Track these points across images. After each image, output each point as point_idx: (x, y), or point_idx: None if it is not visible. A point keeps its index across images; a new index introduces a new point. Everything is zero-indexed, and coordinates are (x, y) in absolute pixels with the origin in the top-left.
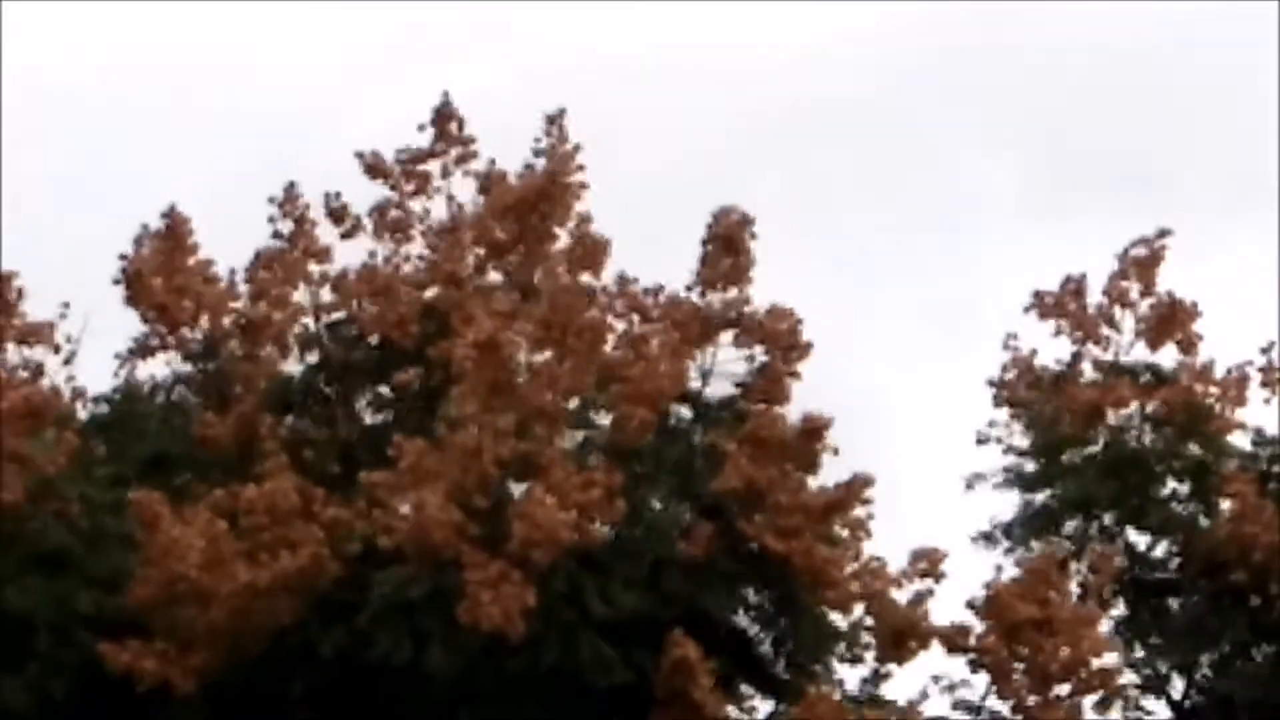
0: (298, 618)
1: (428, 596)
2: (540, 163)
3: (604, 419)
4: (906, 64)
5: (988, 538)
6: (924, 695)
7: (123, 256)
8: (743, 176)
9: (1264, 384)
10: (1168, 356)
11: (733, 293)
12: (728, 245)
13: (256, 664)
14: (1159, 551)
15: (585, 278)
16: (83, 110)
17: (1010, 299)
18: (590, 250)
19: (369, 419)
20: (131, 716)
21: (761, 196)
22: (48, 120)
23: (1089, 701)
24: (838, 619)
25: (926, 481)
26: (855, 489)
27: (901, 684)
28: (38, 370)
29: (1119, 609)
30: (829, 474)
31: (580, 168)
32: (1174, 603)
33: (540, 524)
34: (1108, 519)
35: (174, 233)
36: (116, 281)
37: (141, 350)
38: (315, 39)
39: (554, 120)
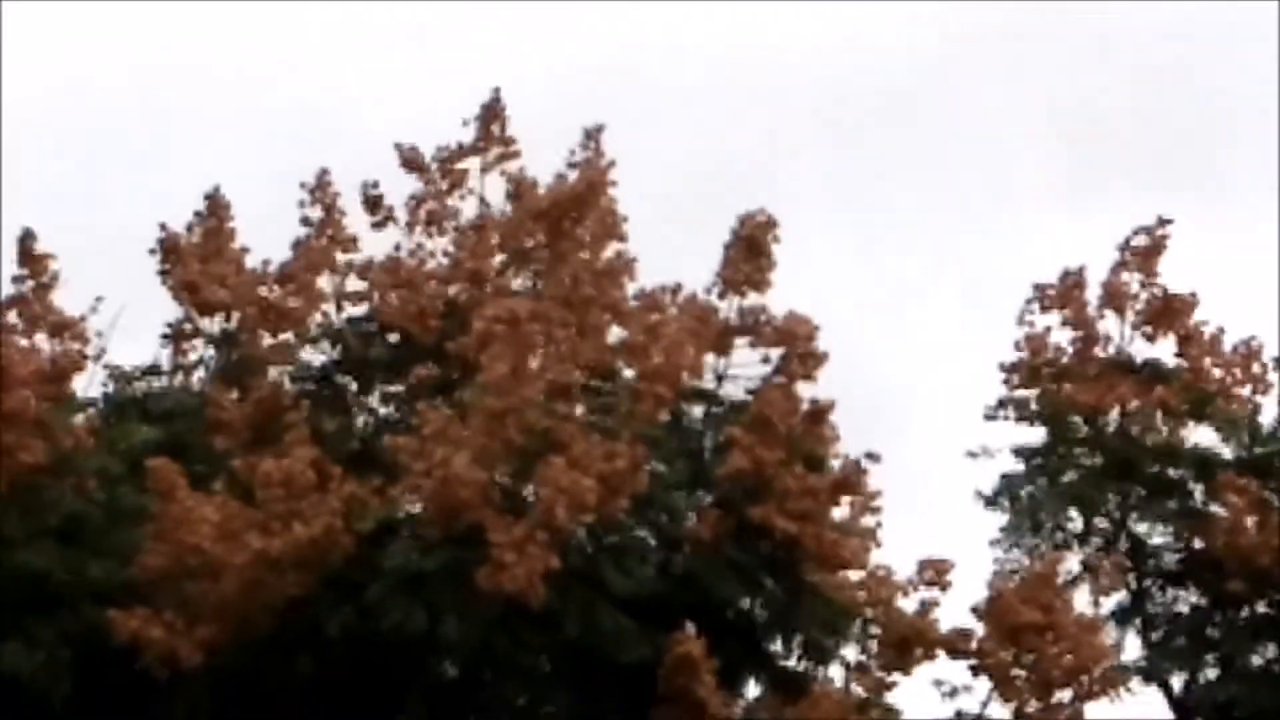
0: (307, 593)
1: (442, 568)
2: (573, 175)
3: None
4: (942, 51)
5: (991, 501)
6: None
7: (162, 225)
8: (780, 165)
9: (1255, 390)
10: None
11: (752, 297)
12: (750, 248)
13: (263, 642)
14: (1161, 539)
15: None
16: (112, 108)
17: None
18: (618, 266)
19: (384, 413)
20: (137, 691)
21: (798, 183)
22: (76, 118)
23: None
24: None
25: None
26: (861, 471)
27: (904, 692)
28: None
29: (1120, 594)
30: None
31: (614, 183)
32: (1177, 594)
33: (565, 489)
34: (1112, 507)
35: (214, 214)
36: (152, 251)
37: (176, 337)
38: (344, 31)
39: (591, 135)
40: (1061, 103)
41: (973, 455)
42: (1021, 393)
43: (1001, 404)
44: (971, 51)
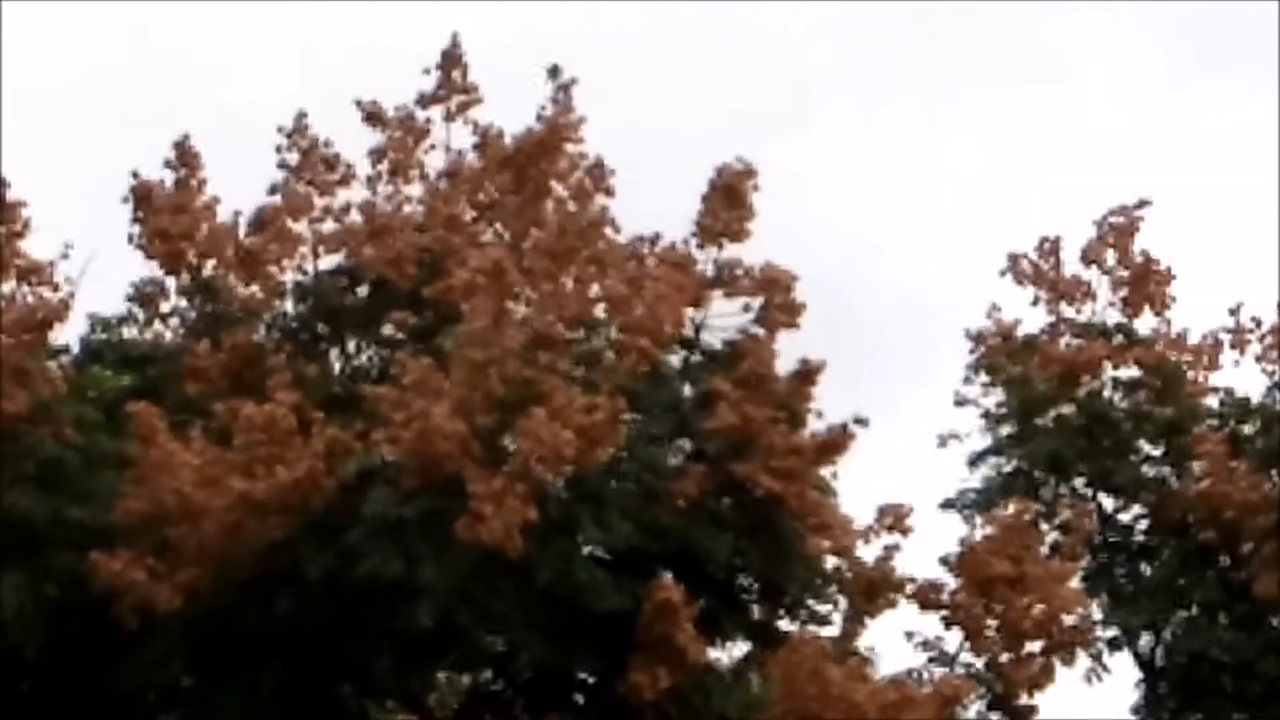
0: (287, 536)
1: (421, 516)
2: (539, 117)
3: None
4: None
5: (952, 505)
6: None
7: (134, 174)
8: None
9: (1233, 345)
10: (1143, 324)
11: (731, 247)
12: (729, 197)
13: (243, 585)
14: (1130, 514)
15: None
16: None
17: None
18: (595, 181)
19: (360, 361)
20: (113, 635)
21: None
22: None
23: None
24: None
25: None
26: (848, 434)
27: (871, 642)
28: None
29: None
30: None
31: (580, 121)
32: (1144, 566)
33: (545, 441)
34: (1079, 481)
35: (184, 164)
36: (125, 200)
37: (140, 298)
38: None
39: (554, 76)
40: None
41: (942, 442)
42: (992, 369)
43: (968, 379)
44: None
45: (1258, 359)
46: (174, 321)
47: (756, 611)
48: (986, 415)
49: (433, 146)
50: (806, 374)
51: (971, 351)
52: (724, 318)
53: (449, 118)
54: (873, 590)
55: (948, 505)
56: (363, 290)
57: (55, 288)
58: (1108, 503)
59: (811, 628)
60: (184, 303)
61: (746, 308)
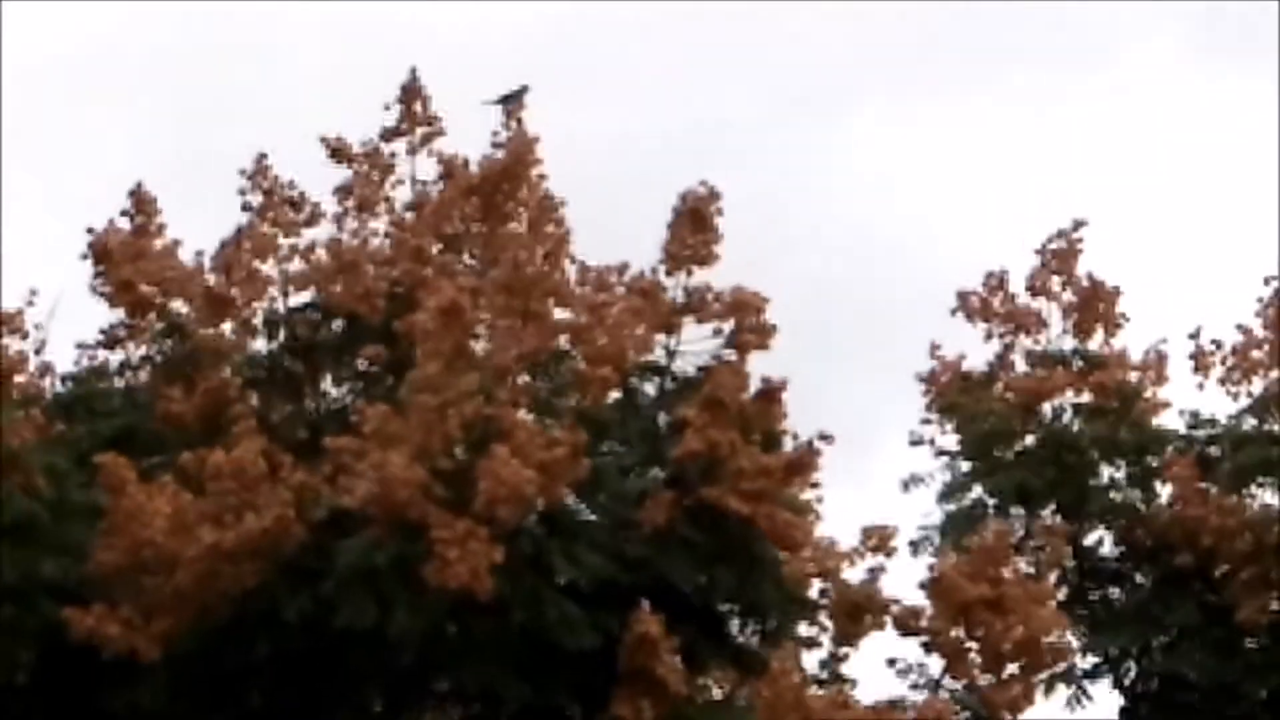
0: (263, 581)
1: (392, 562)
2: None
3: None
4: None
5: (917, 545)
6: None
7: (89, 230)
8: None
9: (1196, 369)
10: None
11: (699, 272)
12: (695, 221)
13: (221, 629)
14: (1098, 539)
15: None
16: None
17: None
18: (555, 241)
19: (335, 396)
20: (95, 685)
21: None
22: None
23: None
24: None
25: None
26: (815, 452)
27: (855, 668)
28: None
29: (1062, 594)
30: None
31: (538, 160)
32: (1117, 592)
33: (505, 481)
34: (1047, 511)
35: (140, 210)
36: (84, 256)
37: (109, 341)
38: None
39: (509, 105)
40: None
41: (905, 486)
42: (945, 408)
43: (925, 420)
44: None
45: (1220, 381)
46: (145, 366)
47: (738, 638)
48: (942, 453)
49: (400, 182)
50: (769, 394)
51: (925, 394)
52: (697, 342)
53: (412, 150)
54: (858, 612)
55: (914, 545)
56: (335, 325)
57: (24, 335)
58: (1077, 528)
59: (798, 652)
60: (154, 347)
61: (717, 332)
